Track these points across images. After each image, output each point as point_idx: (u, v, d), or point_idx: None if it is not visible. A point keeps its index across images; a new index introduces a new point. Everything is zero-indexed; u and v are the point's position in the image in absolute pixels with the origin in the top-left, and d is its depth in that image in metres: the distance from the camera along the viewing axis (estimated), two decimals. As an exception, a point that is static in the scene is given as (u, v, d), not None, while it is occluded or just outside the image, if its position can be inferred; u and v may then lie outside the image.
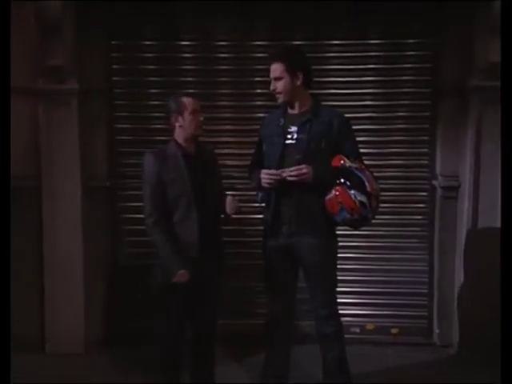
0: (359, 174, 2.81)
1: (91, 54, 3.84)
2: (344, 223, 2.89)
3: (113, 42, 3.95)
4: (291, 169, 2.81)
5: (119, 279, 4.04)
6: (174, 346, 3.03)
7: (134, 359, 3.71)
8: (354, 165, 2.84)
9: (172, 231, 2.86)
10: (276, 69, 2.88)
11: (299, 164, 2.83)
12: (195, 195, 2.85)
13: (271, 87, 2.93)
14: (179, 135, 2.92)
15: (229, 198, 2.93)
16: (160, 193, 2.86)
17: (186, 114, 2.87)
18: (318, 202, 2.84)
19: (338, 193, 2.79)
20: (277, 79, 2.89)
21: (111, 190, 4.01)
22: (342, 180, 2.79)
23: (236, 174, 3.91)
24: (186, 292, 2.87)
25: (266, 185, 2.89)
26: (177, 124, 2.90)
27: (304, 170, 2.80)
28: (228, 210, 2.93)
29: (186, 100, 2.89)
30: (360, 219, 2.83)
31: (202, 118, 2.91)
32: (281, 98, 2.93)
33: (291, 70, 2.86)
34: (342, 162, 2.83)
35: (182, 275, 2.80)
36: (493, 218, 3.69)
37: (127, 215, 4.02)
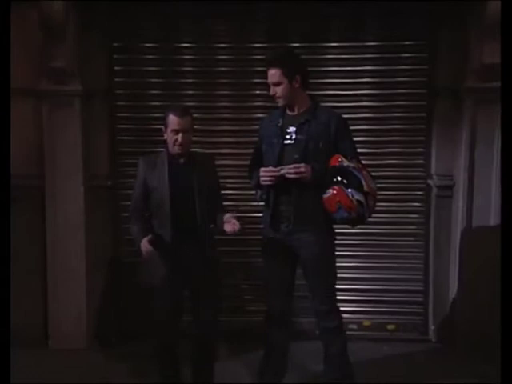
0: (356, 173, 2.84)
1: (93, 56, 3.89)
2: (342, 222, 2.92)
3: (114, 44, 4.00)
4: (290, 166, 2.85)
5: (121, 276, 4.09)
6: (169, 343, 3.08)
7: (134, 355, 3.75)
8: (351, 164, 2.87)
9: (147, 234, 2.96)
10: (274, 74, 2.91)
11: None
12: (173, 204, 2.92)
13: (271, 92, 2.97)
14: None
15: (228, 218, 2.93)
16: (144, 197, 2.99)
17: (168, 131, 2.92)
18: (316, 200, 2.88)
19: (335, 192, 2.82)
20: (276, 84, 2.92)
21: (113, 189, 4.06)
22: (340, 179, 2.82)
23: (235, 174, 3.96)
24: (172, 292, 2.98)
25: (265, 182, 2.93)
26: (164, 136, 2.97)
27: (302, 169, 2.84)
28: (227, 228, 2.91)
29: (170, 117, 2.90)
30: (357, 218, 2.86)
31: (179, 140, 2.88)
32: (281, 102, 2.97)
33: (289, 74, 2.89)
34: (339, 161, 2.87)
35: (144, 245, 2.82)
36: (487, 217, 3.76)
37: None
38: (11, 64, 3.30)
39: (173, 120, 2.89)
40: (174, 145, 2.92)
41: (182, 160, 2.98)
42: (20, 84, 3.69)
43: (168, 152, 2.99)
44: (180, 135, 2.89)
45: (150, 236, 2.84)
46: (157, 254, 2.89)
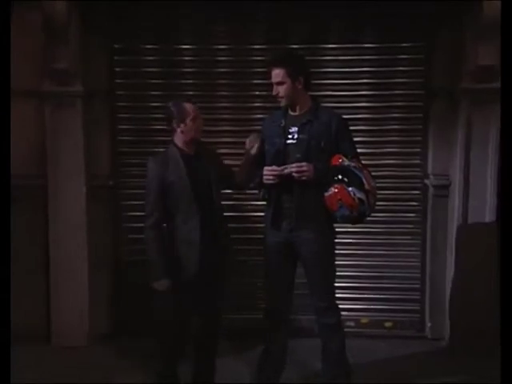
0: (357, 172, 2.88)
1: (95, 58, 3.94)
2: (343, 220, 2.95)
3: (115, 46, 4.04)
4: (292, 165, 2.90)
5: (122, 275, 4.13)
6: (174, 339, 3.09)
7: (135, 353, 3.78)
8: (352, 163, 2.91)
9: (170, 235, 2.95)
10: (278, 74, 2.95)
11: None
12: (196, 195, 2.93)
13: (273, 92, 3.00)
14: (179, 139, 2.99)
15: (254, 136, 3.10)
16: (161, 196, 2.94)
17: (188, 120, 2.95)
18: (318, 199, 2.92)
19: (337, 190, 2.86)
20: (279, 84, 2.96)
21: (114, 189, 4.10)
22: (341, 178, 2.87)
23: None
24: (189, 288, 2.97)
25: (269, 181, 2.97)
26: (178, 129, 2.97)
27: (305, 167, 2.89)
28: (247, 144, 3.11)
29: (189, 107, 2.96)
30: (358, 216, 2.91)
31: (202, 123, 3.00)
32: (283, 102, 3.01)
33: (293, 74, 2.94)
34: (340, 160, 2.91)
35: (161, 285, 2.92)
36: (482, 215, 3.81)
37: (129, 213, 4.10)
38: (14, 65, 3.32)
39: (192, 108, 2.97)
40: (197, 131, 2.99)
41: (192, 151, 3.01)
42: (23, 85, 3.73)
43: (177, 147, 2.99)
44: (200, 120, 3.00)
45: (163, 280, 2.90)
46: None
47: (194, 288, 2.98)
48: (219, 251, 3.04)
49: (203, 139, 3.88)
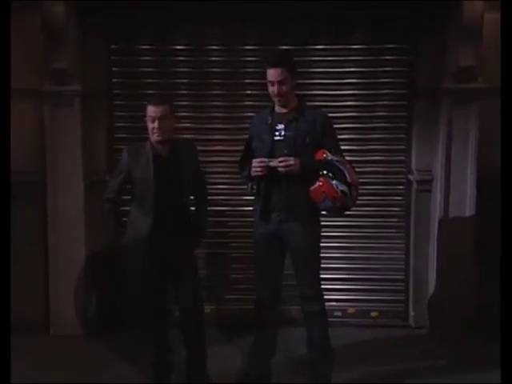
0: (340, 166, 3.01)
1: (92, 58, 4.04)
2: (327, 211, 3.10)
3: (112, 46, 4.14)
4: (280, 159, 3.01)
5: (119, 267, 4.21)
6: (158, 329, 3.23)
7: (132, 342, 3.84)
8: (335, 158, 3.04)
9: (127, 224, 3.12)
10: (281, 73, 3.02)
11: None
12: (159, 197, 3.01)
13: (276, 91, 3.05)
14: (151, 138, 3.07)
15: None
16: (122, 183, 3.11)
17: (147, 120, 3.03)
18: (304, 191, 3.03)
19: (321, 183, 2.98)
20: (281, 83, 3.04)
21: (110, 185, 4.23)
22: (325, 172, 2.99)
23: (226, 170, 4.14)
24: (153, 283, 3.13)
25: (256, 173, 3.08)
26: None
27: (291, 162, 3.00)
28: None
29: (147, 107, 3.01)
30: (341, 207, 3.04)
31: (155, 126, 2.95)
32: (282, 101, 3.10)
33: (291, 73, 3.06)
34: (324, 155, 3.04)
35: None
36: (462, 209, 3.95)
37: (125, 208, 4.21)
38: (14, 65, 3.44)
39: (149, 109, 3.01)
40: (153, 133, 3.00)
41: (165, 151, 3.06)
42: (22, 85, 3.84)
43: (152, 145, 3.06)
44: (156, 122, 2.96)
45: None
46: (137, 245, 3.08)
47: (148, 280, 3.12)
48: (182, 252, 3.13)
49: (197, 137, 4.08)
